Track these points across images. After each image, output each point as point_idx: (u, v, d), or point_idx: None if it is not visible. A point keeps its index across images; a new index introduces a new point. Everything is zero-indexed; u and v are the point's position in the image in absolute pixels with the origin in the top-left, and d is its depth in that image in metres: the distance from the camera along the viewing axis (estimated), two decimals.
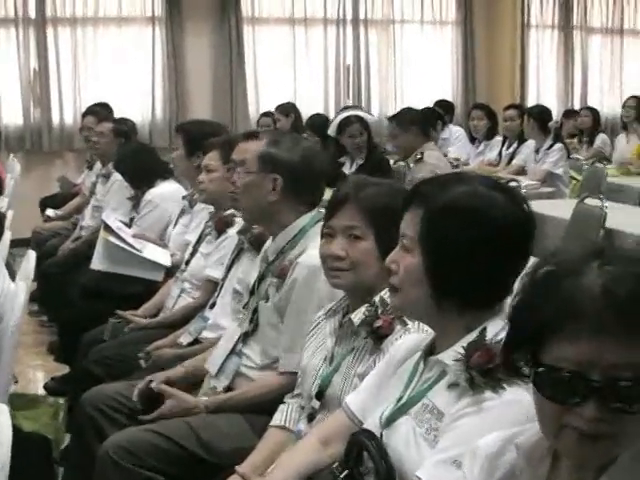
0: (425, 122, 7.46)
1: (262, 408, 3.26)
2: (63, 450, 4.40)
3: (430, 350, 2.18)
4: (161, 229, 5.89)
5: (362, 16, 12.09)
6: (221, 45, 11.46)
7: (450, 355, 2.06)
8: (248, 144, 3.64)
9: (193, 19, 11.32)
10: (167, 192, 6.02)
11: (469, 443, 1.84)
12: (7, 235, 4.78)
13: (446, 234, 2.08)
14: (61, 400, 5.08)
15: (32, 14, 10.85)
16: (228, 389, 3.45)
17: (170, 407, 3.40)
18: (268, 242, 3.54)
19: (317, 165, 3.48)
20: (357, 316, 2.67)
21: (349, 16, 12.03)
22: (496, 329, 2.06)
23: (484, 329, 2.06)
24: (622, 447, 1.45)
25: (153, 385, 3.54)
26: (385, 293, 2.65)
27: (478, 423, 1.92)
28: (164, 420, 3.35)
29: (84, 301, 5.49)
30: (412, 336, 2.42)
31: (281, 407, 2.98)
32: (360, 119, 7.56)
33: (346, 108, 9.73)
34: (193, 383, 3.66)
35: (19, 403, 4.51)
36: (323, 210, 3.41)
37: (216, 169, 4.39)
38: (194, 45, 11.37)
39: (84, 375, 4.33)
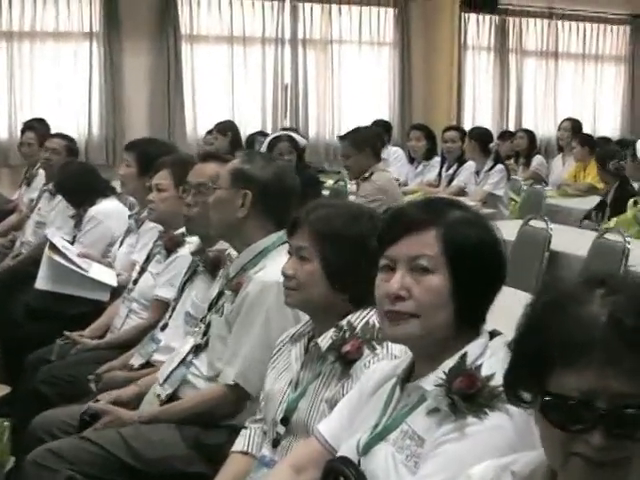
0: (377, 142, 7.46)
1: (195, 422, 3.31)
2: (7, 472, 4.32)
3: (407, 376, 2.17)
4: (104, 246, 5.83)
5: (300, 36, 12.15)
6: (159, 62, 11.43)
7: (431, 380, 2.05)
8: (206, 166, 3.63)
9: (131, 35, 11.27)
10: (110, 209, 5.98)
11: (453, 469, 1.83)
12: None
13: (470, 249, 2.09)
14: (6, 422, 4.99)
15: None
16: (172, 397, 3.46)
17: (105, 422, 3.40)
18: (227, 264, 3.52)
19: (288, 184, 3.49)
20: (324, 340, 2.65)
21: (287, 35, 12.07)
22: (476, 354, 2.06)
23: (465, 354, 2.05)
24: (630, 474, 1.45)
25: (88, 405, 3.53)
26: (352, 317, 2.65)
27: (462, 449, 1.91)
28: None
29: (29, 320, 5.40)
30: (384, 362, 2.41)
31: (243, 432, 2.96)
32: (291, 138, 7.54)
33: (284, 129, 9.71)
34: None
35: None
36: None
37: (167, 188, 4.37)
38: (132, 61, 11.31)
39: (31, 396, 4.27)
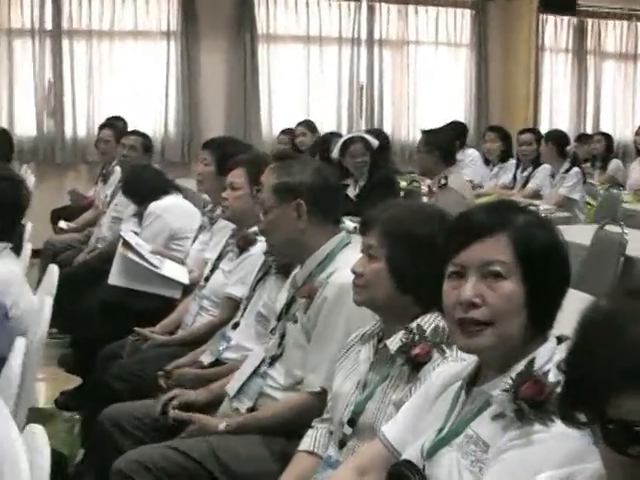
0: (448, 147, 7.39)
1: (281, 430, 3.27)
2: (76, 465, 4.36)
3: (472, 380, 2.15)
4: (163, 240, 5.88)
5: (377, 36, 12.10)
6: (236, 61, 11.47)
7: (497, 385, 2.02)
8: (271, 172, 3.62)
9: (208, 34, 11.33)
10: (169, 204, 6.06)
11: (517, 476, 1.81)
12: (28, 247, 4.76)
13: (541, 253, 2.06)
14: (77, 415, 5.06)
15: (48, 26, 10.89)
16: (252, 410, 3.42)
17: (192, 432, 3.39)
18: (297, 268, 3.50)
19: (331, 179, 3.50)
20: (393, 342, 2.64)
21: (364, 36, 12.04)
22: (543, 359, 2.03)
23: (533, 360, 2.02)
24: None
25: (172, 414, 3.52)
26: (422, 320, 2.63)
27: (527, 456, 1.88)
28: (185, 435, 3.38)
29: (102, 316, 5.46)
30: (450, 365, 2.38)
31: (310, 432, 2.95)
32: (363, 139, 7.52)
33: (370, 131, 9.68)
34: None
35: (35, 418, 4.47)
36: (351, 235, 3.43)
37: (241, 187, 4.35)
38: (209, 60, 11.38)
39: (101, 390, 4.30)
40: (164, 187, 6.14)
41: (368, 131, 9.16)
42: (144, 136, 7.44)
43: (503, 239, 2.05)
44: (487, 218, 2.10)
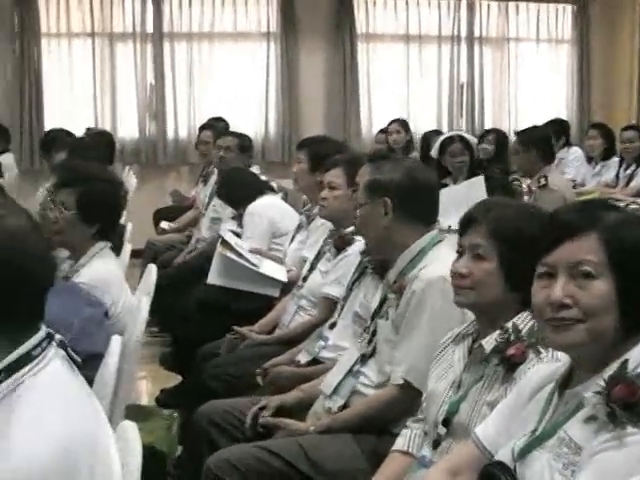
0: (548, 143, 7.28)
1: (371, 426, 3.27)
2: (175, 462, 4.41)
3: (565, 381, 2.11)
4: (270, 237, 5.92)
5: (477, 34, 11.99)
6: (335, 61, 11.49)
7: (590, 387, 1.98)
8: (367, 168, 3.61)
9: (308, 35, 11.37)
10: (267, 203, 6.15)
11: (609, 479, 1.77)
12: (127, 247, 4.83)
13: (633, 251, 2.00)
14: (175, 413, 5.11)
15: (149, 29, 11.06)
16: (344, 408, 3.43)
17: (282, 436, 3.42)
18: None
19: (422, 179, 3.48)
20: (488, 342, 2.61)
21: (464, 34, 11.94)
22: (637, 361, 1.97)
23: (626, 361, 1.97)
24: None
25: (262, 420, 3.54)
26: (518, 319, 2.60)
27: (620, 459, 1.83)
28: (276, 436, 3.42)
29: (200, 315, 5.53)
30: (544, 365, 2.35)
31: (404, 431, 2.94)
32: (463, 139, 7.47)
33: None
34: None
35: (134, 415, 4.53)
36: (444, 232, 3.40)
37: (339, 187, 4.37)
38: (308, 61, 11.42)
39: (199, 389, 4.35)
40: (259, 189, 6.18)
41: (486, 131, 9.07)
42: (240, 137, 7.49)
43: (593, 238, 2.00)
44: (577, 217, 2.06)
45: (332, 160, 4.54)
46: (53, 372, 1.78)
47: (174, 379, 5.92)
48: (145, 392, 6.31)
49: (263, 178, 7.11)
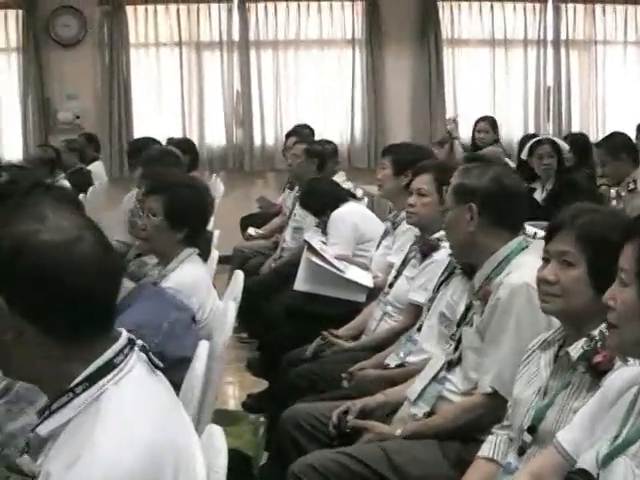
0: (633, 147, 7.15)
1: (456, 433, 3.27)
2: (261, 467, 4.44)
3: None
4: (354, 243, 5.93)
5: (563, 37, 11.83)
6: (420, 67, 11.45)
7: None
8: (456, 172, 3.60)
9: (392, 41, 11.36)
10: (350, 209, 6.15)
11: None
12: (214, 254, 4.89)
13: None
14: (262, 418, 5.15)
15: (236, 37, 11.16)
16: (429, 415, 3.43)
17: (366, 440, 3.42)
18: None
19: (509, 185, 3.46)
20: (575, 349, 2.60)
21: (550, 37, 11.80)
22: None
23: None
24: None
25: (349, 423, 3.54)
26: (605, 326, 2.57)
27: None
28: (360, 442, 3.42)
29: (287, 321, 5.57)
30: (627, 370, 2.31)
31: (489, 438, 2.92)
32: (551, 142, 7.40)
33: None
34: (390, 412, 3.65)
35: (221, 419, 4.58)
36: (529, 238, 3.38)
37: (429, 193, 4.37)
38: (393, 67, 11.40)
39: (285, 393, 4.38)
40: (341, 197, 6.20)
41: (571, 135, 8.97)
42: (311, 142, 7.55)
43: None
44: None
45: (421, 166, 4.53)
46: (136, 379, 1.80)
47: (260, 384, 5.97)
48: (232, 397, 6.37)
49: (349, 184, 7.13)
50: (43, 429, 1.76)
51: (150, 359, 1.87)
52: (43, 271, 1.70)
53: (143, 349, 1.86)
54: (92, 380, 1.74)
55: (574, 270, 2.65)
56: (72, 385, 1.74)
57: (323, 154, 7.45)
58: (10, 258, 1.71)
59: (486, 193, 3.38)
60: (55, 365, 1.75)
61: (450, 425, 3.30)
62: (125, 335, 1.83)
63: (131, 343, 1.83)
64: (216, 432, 2.08)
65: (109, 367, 1.76)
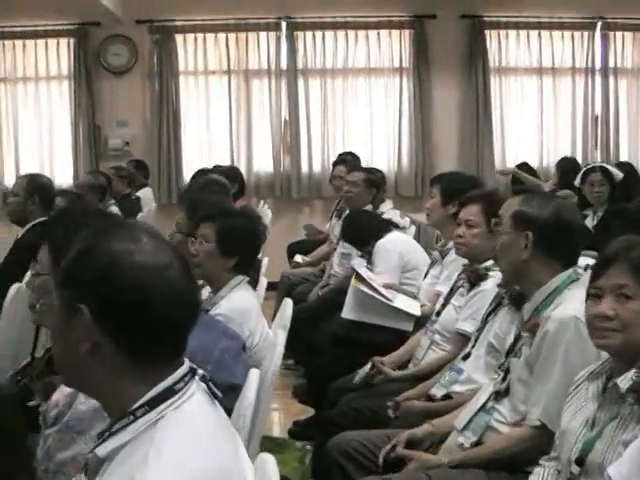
0: None
1: (504, 464, 3.25)
2: None
3: None
4: (400, 272, 5.94)
5: (612, 65, 11.79)
6: (468, 95, 11.46)
7: None
8: (513, 201, 3.61)
9: (440, 69, 11.39)
10: (395, 238, 6.15)
11: None
12: (263, 281, 4.92)
13: None
14: (308, 445, 5.17)
15: (284, 66, 11.25)
16: (476, 445, 3.42)
17: (414, 468, 3.42)
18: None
19: (569, 220, 3.46)
20: (624, 381, 2.59)
21: (598, 65, 11.76)
22: None
23: None
24: None
25: (396, 451, 3.55)
26: None
27: None
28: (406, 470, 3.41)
29: (334, 348, 5.59)
30: None
31: (536, 470, 2.92)
32: (604, 169, 7.39)
33: None
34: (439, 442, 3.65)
35: (268, 446, 4.61)
36: (580, 270, 3.37)
37: (477, 224, 4.37)
38: (441, 95, 11.42)
39: (332, 421, 4.39)
40: (383, 229, 6.21)
41: (617, 164, 8.93)
42: (369, 171, 7.56)
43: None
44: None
45: (468, 196, 4.53)
46: (194, 406, 1.83)
47: (306, 411, 5.98)
48: (277, 423, 6.39)
49: (395, 212, 7.15)
50: (101, 450, 1.80)
51: (210, 388, 1.91)
52: (133, 290, 1.77)
53: (203, 378, 1.90)
54: (152, 404, 1.78)
55: (633, 303, 2.62)
56: (133, 408, 1.78)
57: (379, 184, 7.48)
58: (104, 273, 1.77)
59: (545, 224, 3.37)
60: (122, 384, 1.80)
61: (497, 456, 3.29)
62: (187, 364, 1.87)
63: (192, 372, 1.87)
64: (269, 461, 2.11)
65: (170, 393, 1.80)
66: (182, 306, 1.83)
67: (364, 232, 6.23)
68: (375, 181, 7.38)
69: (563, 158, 9.66)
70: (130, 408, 1.78)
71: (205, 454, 1.76)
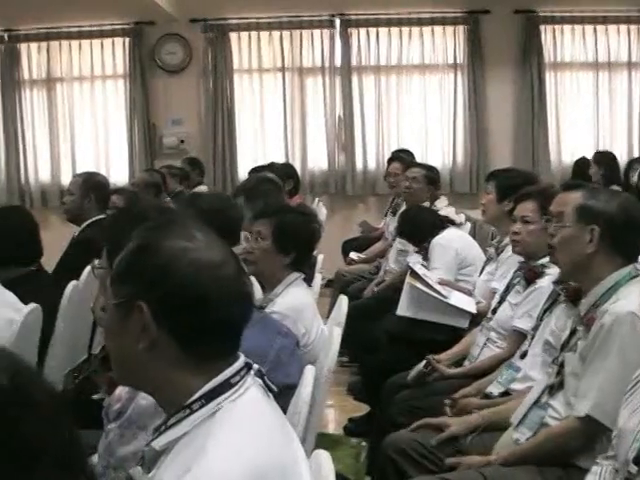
0: None
1: (554, 458, 3.24)
2: None
3: None
4: (457, 268, 5.93)
5: None
6: (522, 91, 11.38)
7: None
8: (568, 195, 3.57)
9: (495, 65, 11.33)
10: (450, 235, 6.15)
11: None
12: (318, 278, 4.93)
13: None
14: (363, 442, 5.17)
15: (338, 63, 11.27)
16: None
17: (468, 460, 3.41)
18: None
19: (635, 217, 3.40)
20: None
21: None
22: None
23: None
24: None
25: (446, 461, 3.52)
26: None
27: None
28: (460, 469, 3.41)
29: (388, 345, 5.58)
30: None
31: (593, 468, 2.88)
32: None
33: None
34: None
35: (323, 442, 4.61)
36: (639, 267, 3.33)
37: (533, 220, 4.35)
38: (495, 91, 11.36)
39: (387, 418, 4.38)
40: (439, 225, 6.18)
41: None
42: (428, 168, 7.53)
43: None
44: None
45: (524, 192, 4.51)
46: (250, 400, 1.85)
47: (361, 408, 5.98)
48: (332, 420, 6.39)
49: (450, 209, 7.11)
50: (158, 443, 1.82)
51: (265, 383, 1.92)
52: (192, 286, 1.80)
53: (258, 373, 1.92)
54: (209, 398, 1.81)
55: None
56: (190, 401, 1.81)
57: (438, 180, 7.47)
58: (164, 270, 1.81)
59: (612, 219, 3.32)
60: (178, 379, 1.83)
61: (541, 449, 3.28)
62: (243, 358, 1.89)
63: (247, 366, 1.89)
64: (324, 457, 2.11)
65: (226, 386, 1.83)
66: (237, 301, 1.86)
67: (421, 228, 6.22)
68: (434, 178, 7.36)
69: (598, 152, 9.56)
70: (186, 402, 1.81)
71: (261, 447, 1.78)
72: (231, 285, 1.85)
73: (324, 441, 4.75)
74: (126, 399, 2.64)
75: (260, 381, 1.93)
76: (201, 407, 1.80)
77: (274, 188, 6.10)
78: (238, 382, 1.84)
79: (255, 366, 1.93)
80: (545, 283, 4.20)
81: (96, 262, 2.90)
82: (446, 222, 6.29)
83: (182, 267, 1.80)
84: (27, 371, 1.34)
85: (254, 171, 7.95)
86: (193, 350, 1.82)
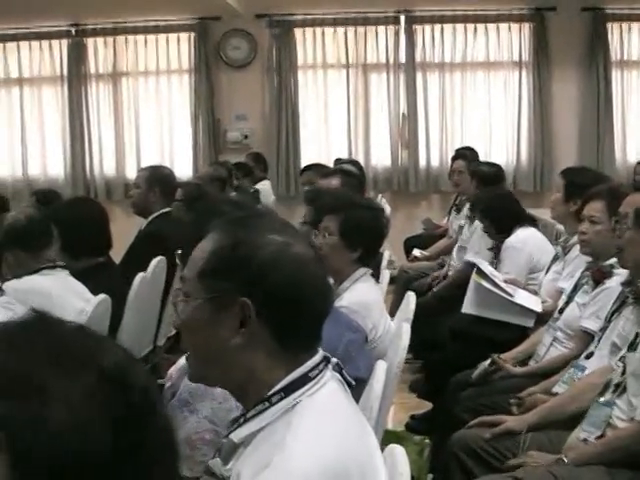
0: None
1: (622, 460, 3.19)
2: None
3: None
4: (527, 272, 5.88)
5: None
6: (588, 89, 11.28)
7: None
8: (637, 197, 3.54)
9: (560, 63, 11.24)
10: (526, 236, 6.04)
11: None
12: (386, 274, 4.93)
13: None
14: (426, 439, 5.15)
15: (402, 59, 11.26)
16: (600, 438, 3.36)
17: (533, 460, 3.39)
18: None
19: None
20: None
21: None
22: None
23: None
24: None
25: (510, 462, 3.50)
26: None
27: None
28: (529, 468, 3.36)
29: (453, 343, 5.56)
30: None
31: None
32: None
33: None
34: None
35: (388, 438, 4.61)
36: None
37: (601, 221, 4.30)
38: (561, 90, 11.27)
39: (450, 416, 4.36)
40: (521, 218, 6.12)
41: None
42: (494, 166, 7.51)
43: None
44: None
45: (592, 192, 4.47)
46: (329, 393, 1.86)
47: (423, 405, 5.97)
48: (393, 418, 6.38)
49: None
50: (237, 435, 1.84)
51: (343, 376, 1.93)
52: (294, 281, 1.83)
53: (337, 367, 1.93)
54: (288, 391, 1.82)
55: None
56: (269, 394, 1.82)
57: (492, 178, 7.42)
58: (268, 266, 1.82)
59: None
60: (263, 372, 1.84)
61: (608, 450, 3.24)
62: (321, 352, 1.90)
63: (326, 360, 1.90)
64: (399, 453, 2.11)
65: (305, 380, 1.84)
66: (324, 295, 1.89)
67: (505, 215, 6.14)
68: (498, 176, 7.33)
69: None
70: (266, 394, 1.82)
71: (341, 438, 1.79)
72: (322, 278, 1.89)
73: (388, 437, 4.74)
74: (177, 377, 2.66)
75: (338, 375, 1.93)
76: (280, 400, 1.81)
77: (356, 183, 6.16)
78: (317, 376, 1.85)
79: (333, 360, 1.94)
80: (614, 284, 4.15)
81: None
82: (529, 219, 6.22)
83: (287, 262, 1.83)
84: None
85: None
86: (288, 344, 1.84)
